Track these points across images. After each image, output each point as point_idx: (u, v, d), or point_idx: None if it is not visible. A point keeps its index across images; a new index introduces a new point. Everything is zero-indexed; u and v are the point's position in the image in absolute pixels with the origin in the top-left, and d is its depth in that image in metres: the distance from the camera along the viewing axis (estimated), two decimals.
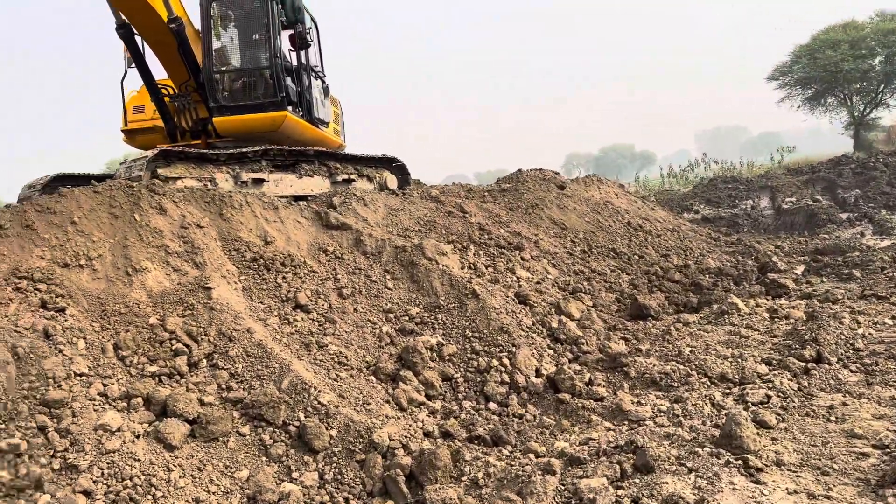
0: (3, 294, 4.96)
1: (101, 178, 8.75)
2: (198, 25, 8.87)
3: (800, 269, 11.26)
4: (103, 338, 5.03)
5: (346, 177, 9.47)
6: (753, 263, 10.83)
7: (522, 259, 8.70)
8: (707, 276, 9.93)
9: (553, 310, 7.20)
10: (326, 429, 4.49)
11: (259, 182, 8.43)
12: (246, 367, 5.00)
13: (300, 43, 8.98)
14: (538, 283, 8.03)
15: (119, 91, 9.21)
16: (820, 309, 7.09)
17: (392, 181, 10.31)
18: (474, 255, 8.35)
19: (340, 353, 5.57)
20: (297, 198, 8.96)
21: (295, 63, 9.35)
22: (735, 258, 12.44)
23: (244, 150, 8.28)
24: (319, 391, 4.76)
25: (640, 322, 7.65)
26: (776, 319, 6.93)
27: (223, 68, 8.73)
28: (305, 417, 4.56)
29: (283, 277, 6.38)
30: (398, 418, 4.98)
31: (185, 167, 7.73)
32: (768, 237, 17.37)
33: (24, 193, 8.47)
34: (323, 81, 10.10)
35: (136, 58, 8.59)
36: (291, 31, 9.32)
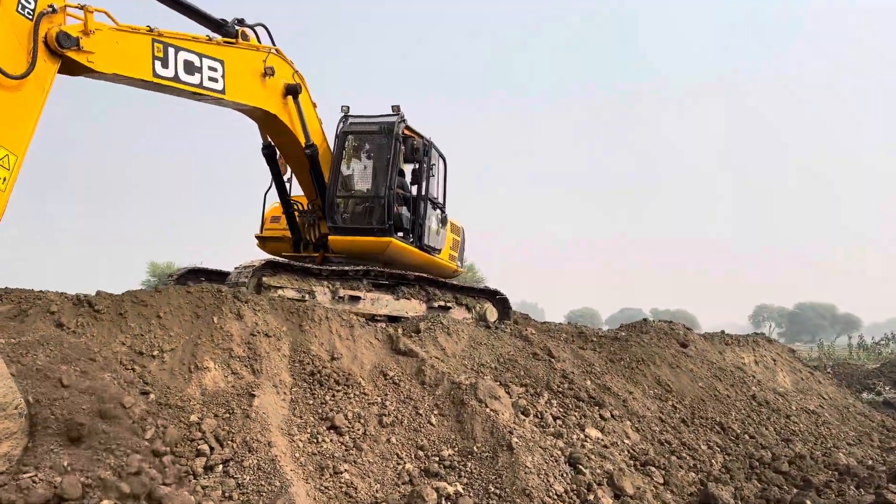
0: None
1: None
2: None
3: None
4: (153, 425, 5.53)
5: (443, 303, 9.74)
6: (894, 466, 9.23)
7: (601, 417, 8.22)
8: (826, 472, 8.64)
9: (605, 480, 6.67)
10: None
11: (356, 299, 8.96)
12: (252, 480, 5.20)
13: (416, 178, 9.74)
14: (605, 446, 7.50)
15: (262, 201, 10.46)
16: None
17: (492, 313, 10.39)
18: (546, 403, 8.05)
19: (352, 482, 5.60)
20: (393, 318, 9.36)
21: (415, 194, 10.04)
22: (885, 457, 10.70)
23: (346, 268, 8.91)
24: None
25: None
26: None
27: (345, 193, 9.61)
28: None
29: (333, 395, 6.62)
30: None
31: (289, 278, 8.47)
32: None
33: (163, 281, 9.73)
34: (442, 211, 10.68)
35: (276, 175, 9.76)
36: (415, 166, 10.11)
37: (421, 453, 6.26)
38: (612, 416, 8.37)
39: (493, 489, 5.87)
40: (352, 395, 6.70)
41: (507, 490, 5.83)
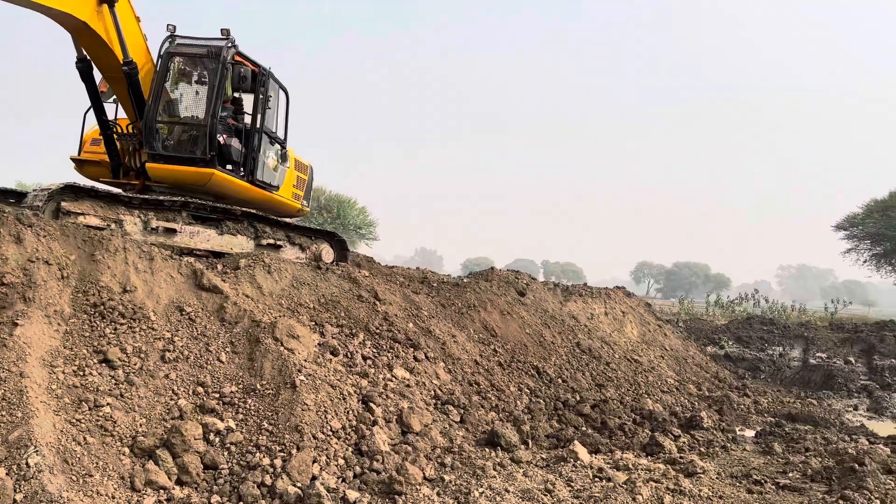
0: None
1: (17, 195, 9.09)
2: None
3: (751, 432, 10.30)
4: None
5: (272, 241, 9.49)
6: (692, 414, 10.00)
7: (415, 358, 8.36)
8: (628, 416, 9.24)
9: (395, 418, 6.82)
10: (14, 492, 4.30)
11: (171, 232, 8.55)
12: None
13: (236, 109, 9.34)
14: (408, 386, 7.65)
15: (81, 121, 9.70)
16: (643, 480, 6.35)
17: (328, 254, 10.26)
18: (359, 344, 8.09)
19: (111, 416, 5.40)
20: (215, 254, 9.03)
21: (249, 126, 9.60)
22: (694, 404, 11.59)
23: (161, 198, 8.46)
24: (38, 451, 4.59)
25: (487, 450, 7.09)
26: (597, 480, 6.25)
27: (166, 119, 9.05)
28: (5, 475, 4.39)
29: (115, 329, 6.32)
30: (116, 500, 4.72)
31: (93, 205, 7.94)
32: (777, 389, 16.10)
33: None
34: (282, 147, 10.31)
35: (91, 93, 9.05)
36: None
37: (200, 389, 6.12)
38: (427, 357, 8.54)
39: (266, 425, 5.84)
40: (137, 330, 6.42)
41: (281, 426, 5.82)
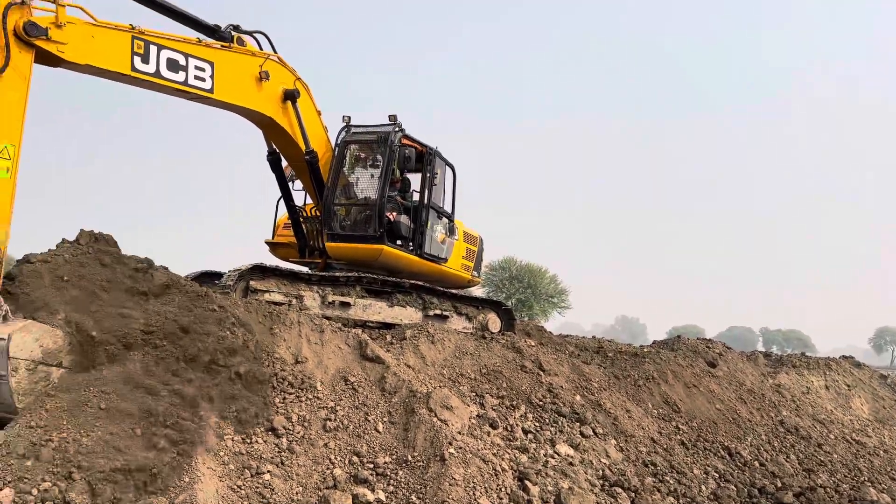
0: None
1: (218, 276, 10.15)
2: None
3: None
4: None
5: (439, 312, 9.67)
6: None
7: (581, 434, 7.88)
8: None
9: (553, 498, 6.40)
10: None
11: (346, 305, 9.06)
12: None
13: (403, 187, 9.86)
14: (571, 464, 7.18)
15: (273, 209, 10.81)
16: None
17: (495, 323, 10.19)
18: (521, 416, 7.82)
19: (270, 483, 5.66)
20: (387, 325, 9.40)
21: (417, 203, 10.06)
22: None
23: (337, 274, 9.05)
24: None
25: None
26: None
27: (341, 201, 9.78)
28: None
29: (284, 398, 6.73)
30: None
31: (277, 282, 8.69)
32: None
33: None
34: (450, 220, 10.62)
35: (281, 182, 10.05)
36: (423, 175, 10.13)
37: (356, 459, 6.23)
38: (595, 433, 8.01)
39: (414, 499, 5.77)
40: (304, 399, 6.77)
41: (428, 501, 5.71)
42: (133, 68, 6.93)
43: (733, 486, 7.95)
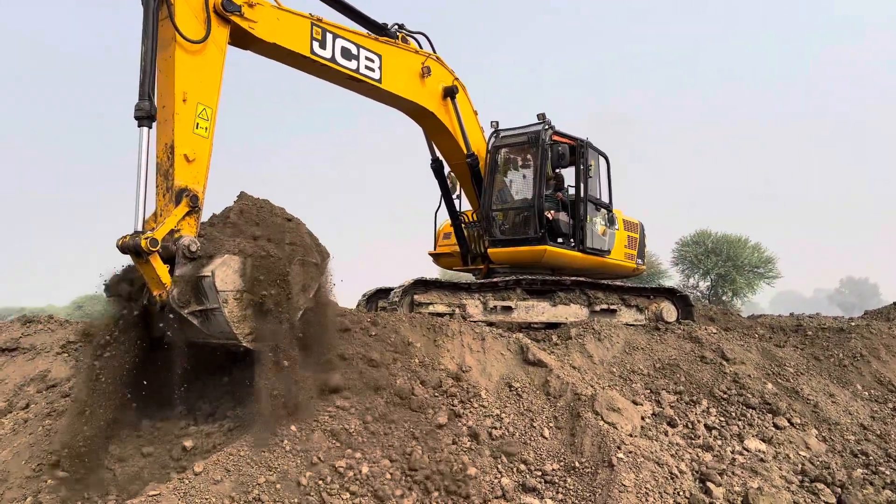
0: None
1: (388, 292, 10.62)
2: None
3: None
4: None
5: (605, 306, 9.36)
6: None
7: (775, 426, 7.20)
8: None
9: (740, 500, 5.91)
10: None
11: (508, 310, 9.10)
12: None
13: (558, 184, 9.63)
14: (763, 460, 6.58)
15: (433, 219, 11.15)
16: None
17: (670, 312, 9.63)
18: (702, 412, 7.33)
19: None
20: (552, 325, 9.30)
21: (574, 198, 9.86)
22: None
23: (495, 279, 9.12)
24: None
25: None
26: None
27: (499, 205, 9.84)
28: None
29: (451, 407, 6.92)
30: None
31: (439, 294, 8.97)
32: None
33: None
34: (608, 211, 10.25)
35: (443, 189, 10.33)
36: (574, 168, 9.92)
37: (523, 467, 6.22)
38: (791, 423, 7.28)
39: None
40: (469, 408, 6.91)
41: None
42: (312, 51, 7.27)
43: None
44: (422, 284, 8.93)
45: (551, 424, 6.75)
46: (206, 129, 6.08)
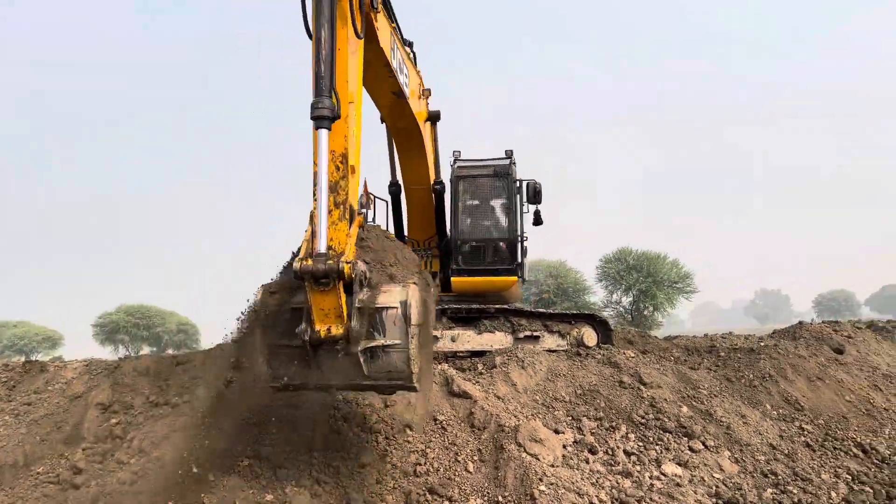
0: None
1: None
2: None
3: None
4: None
5: (529, 333, 9.52)
6: None
7: (690, 449, 7.46)
8: None
9: None
10: None
11: (434, 339, 9.11)
12: None
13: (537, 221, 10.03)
14: (679, 485, 6.79)
15: None
16: None
17: (590, 337, 9.88)
18: (622, 437, 7.51)
19: None
20: (476, 353, 9.37)
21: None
22: None
23: None
24: None
25: None
26: None
27: (468, 237, 10.07)
28: None
29: (376, 445, 6.85)
30: None
31: None
32: None
33: None
34: None
35: (396, 213, 10.24)
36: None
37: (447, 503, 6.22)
38: (706, 446, 7.55)
39: None
40: (393, 445, 6.87)
41: None
42: (389, 62, 6.86)
43: (869, 489, 7.19)
44: None
45: (475, 458, 6.78)
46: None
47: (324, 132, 4.63)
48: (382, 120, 9.03)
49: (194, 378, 7.88)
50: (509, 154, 10.20)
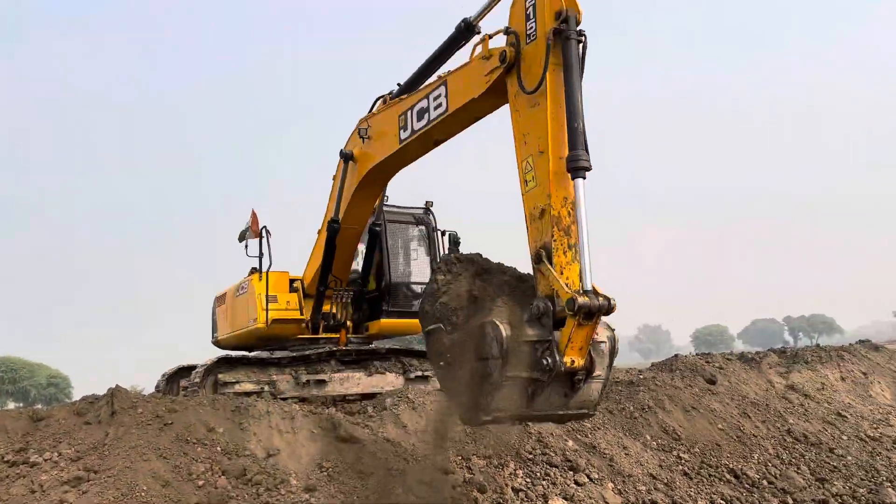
0: None
1: None
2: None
3: None
4: None
5: (420, 373, 9.47)
6: None
7: (576, 482, 7.59)
8: None
9: None
10: None
11: (322, 383, 8.88)
12: None
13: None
14: None
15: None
16: None
17: None
18: (510, 475, 7.54)
19: None
20: (367, 396, 9.19)
21: None
22: None
23: (307, 352, 8.88)
24: None
25: None
26: None
27: (399, 280, 10.10)
28: None
29: (257, 497, 6.50)
30: None
31: (246, 371, 8.54)
32: None
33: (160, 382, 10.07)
34: None
35: (329, 253, 9.29)
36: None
37: None
38: (590, 479, 7.71)
39: None
40: (275, 497, 6.55)
41: None
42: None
43: None
44: (227, 362, 8.46)
45: None
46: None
47: (581, 181, 5.04)
48: (350, 158, 8.58)
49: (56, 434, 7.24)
50: (428, 205, 10.72)
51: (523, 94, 5.52)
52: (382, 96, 8.24)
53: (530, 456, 7.88)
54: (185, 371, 10.13)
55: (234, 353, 8.63)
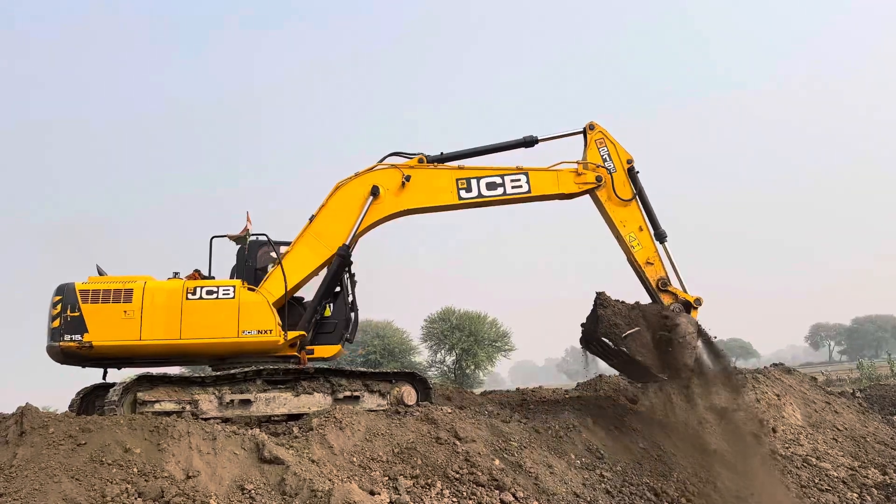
0: None
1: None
2: None
3: None
4: None
5: (349, 393, 9.35)
6: None
7: (502, 501, 7.64)
8: None
9: None
10: None
11: (247, 403, 8.65)
12: None
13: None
14: None
15: None
16: None
17: (410, 395, 9.90)
18: (437, 495, 7.53)
19: None
20: (293, 416, 9.00)
21: None
22: (869, 497, 9.72)
23: (233, 371, 8.65)
24: None
25: None
26: None
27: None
28: None
29: None
30: None
31: (167, 390, 8.24)
32: None
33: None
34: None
35: (335, 280, 10.02)
36: None
37: None
38: (516, 497, 7.79)
39: None
40: None
41: None
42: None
43: None
44: (146, 380, 8.15)
45: None
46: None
47: (665, 243, 10.58)
48: (377, 194, 10.00)
49: None
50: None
51: (616, 199, 10.46)
52: (397, 152, 10.36)
53: (457, 475, 7.90)
54: (101, 389, 9.69)
55: (154, 371, 8.31)
